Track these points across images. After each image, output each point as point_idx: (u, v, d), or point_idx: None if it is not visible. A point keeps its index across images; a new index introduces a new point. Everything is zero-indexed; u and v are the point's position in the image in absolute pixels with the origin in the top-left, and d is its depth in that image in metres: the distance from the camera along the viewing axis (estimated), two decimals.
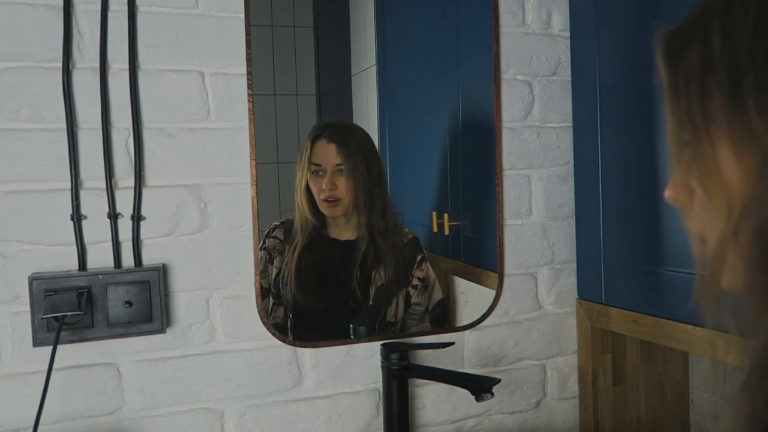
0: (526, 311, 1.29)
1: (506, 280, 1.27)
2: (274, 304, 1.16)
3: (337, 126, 1.19)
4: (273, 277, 1.16)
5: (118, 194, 1.03)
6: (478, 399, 1.02)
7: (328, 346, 1.16)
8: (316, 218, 1.18)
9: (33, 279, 0.97)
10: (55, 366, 0.95)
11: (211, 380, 1.09)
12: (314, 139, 1.17)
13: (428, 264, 1.25)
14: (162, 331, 1.03)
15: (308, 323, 1.17)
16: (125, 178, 1.04)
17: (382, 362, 1.13)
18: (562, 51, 1.30)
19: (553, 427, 1.32)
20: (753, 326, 0.43)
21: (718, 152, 0.45)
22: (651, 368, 1.32)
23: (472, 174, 1.29)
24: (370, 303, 1.20)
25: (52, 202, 1.00)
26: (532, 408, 1.31)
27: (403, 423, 1.13)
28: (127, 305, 1.01)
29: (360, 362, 1.18)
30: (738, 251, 0.44)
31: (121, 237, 1.03)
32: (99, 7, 1.01)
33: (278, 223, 1.18)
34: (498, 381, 1.03)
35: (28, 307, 0.98)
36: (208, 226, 1.08)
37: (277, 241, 1.17)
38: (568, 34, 1.29)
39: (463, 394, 1.18)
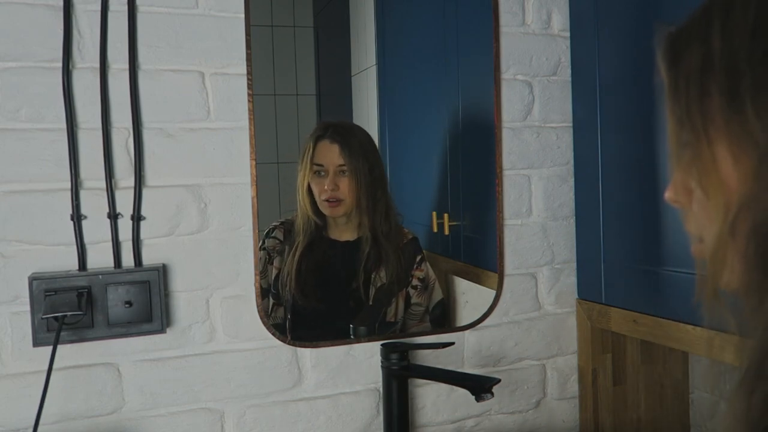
0: (526, 311, 1.29)
1: (506, 280, 1.27)
2: (273, 304, 1.16)
3: (339, 126, 1.19)
4: (273, 278, 1.16)
5: (118, 194, 1.03)
6: (478, 399, 1.02)
7: (328, 346, 1.16)
8: (318, 218, 1.18)
9: (33, 279, 0.97)
10: (55, 366, 0.95)
11: (211, 380, 1.09)
12: (317, 140, 1.16)
13: (428, 264, 1.25)
14: (162, 331, 1.03)
15: (308, 323, 1.17)
16: (125, 178, 1.04)
17: (382, 362, 1.13)
18: (562, 51, 1.30)
19: (553, 427, 1.32)
20: (750, 325, 0.43)
21: (716, 152, 0.45)
22: (651, 368, 1.32)
23: (472, 174, 1.29)
24: (370, 303, 1.20)
25: (52, 202, 1.00)
26: (532, 408, 1.31)
27: (403, 423, 1.13)
28: (127, 305, 1.01)
29: (360, 362, 1.18)
30: (735, 250, 0.44)
31: (121, 237, 1.03)
32: (99, 7, 1.01)
33: (278, 224, 1.18)
34: (498, 381, 1.03)
35: (28, 307, 0.98)
36: (208, 226, 1.08)
37: (277, 241, 1.17)
38: (568, 34, 1.29)
39: (463, 394, 1.18)
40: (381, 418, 1.17)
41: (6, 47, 0.98)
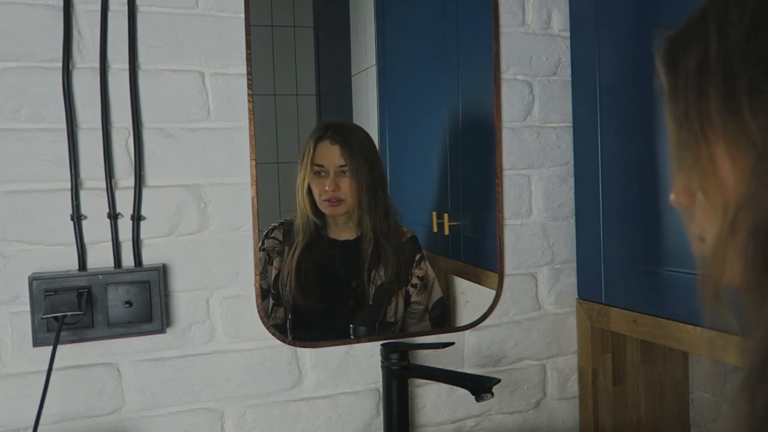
0: (526, 311, 1.29)
1: (506, 280, 1.27)
2: (273, 305, 1.16)
3: (340, 127, 1.19)
4: (272, 278, 1.16)
5: (118, 194, 1.03)
6: (478, 399, 1.02)
7: (328, 346, 1.16)
8: (317, 218, 1.18)
9: (33, 279, 0.97)
10: (55, 366, 0.95)
11: (211, 380, 1.09)
12: (317, 140, 1.16)
13: (427, 263, 1.25)
14: (162, 331, 1.03)
15: (308, 323, 1.17)
16: (125, 178, 1.04)
17: (382, 362, 1.13)
18: (562, 51, 1.30)
19: (553, 427, 1.32)
20: (752, 325, 0.43)
21: (715, 154, 0.45)
22: (651, 368, 1.32)
23: (472, 174, 1.29)
24: (370, 303, 1.20)
25: (52, 202, 1.00)
26: (532, 408, 1.31)
27: (403, 423, 1.13)
28: (127, 305, 1.01)
29: (360, 362, 1.18)
30: (735, 250, 0.44)
31: (121, 237, 1.03)
32: (99, 7, 1.01)
33: (277, 224, 1.18)
34: (498, 381, 1.03)
35: (28, 307, 0.98)
36: (208, 226, 1.08)
37: (276, 241, 1.17)
38: (568, 34, 1.29)
39: (463, 394, 1.18)
40: (381, 418, 1.17)
41: (6, 47, 0.98)
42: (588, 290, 1.27)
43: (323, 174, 1.16)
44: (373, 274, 1.20)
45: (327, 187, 1.16)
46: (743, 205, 0.43)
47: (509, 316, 1.28)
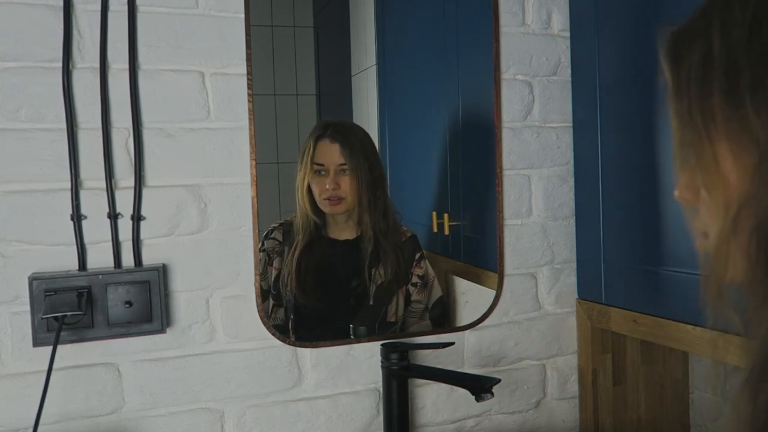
0: (526, 311, 1.29)
1: (506, 280, 1.27)
2: (274, 305, 1.16)
3: (339, 125, 1.19)
4: (272, 279, 1.16)
5: (118, 194, 1.03)
6: (478, 399, 1.02)
7: (328, 346, 1.16)
8: (317, 217, 1.18)
9: (33, 279, 0.97)
10: (55, 366, 0.95)
11: (211, 380, 1.09)
12: (317, 139, 1.17)
13: (427, 261, 1.25)
14: (162, 331, 1.03)
15: (309, 323, 1.17)
16: (125, 178, 1.04)
17: (382, 362, 1.13)
18: (562, 51, 1.30)
19: (553, 427, 1.32)
20: (754, 323, 0.43)
21: (717, 151, 0.45)
22: (651, 368, 1.32)
23: (472, 174, 1.29)
24: (371, 302, 1.20)
25: (52, 202, 1.00)
26: (532, 408, 1.31)
27: (403, 423, 1.13)
28: (127, 305, 1.00)
29: (360, 362, 1.18)
30: (738, 247, 0.44)
31: (121, 237, 1.03)
32: (99, 7, 1.01)
33: (276, 225, 1.18)
34: (498, 381, 1.03)
35: (28, 307, 0.98)
36: (208, 226, 1.08)
37: (276, 242, 1.17)
38: (568, 34, 1.29)
39: (463, 394, 1.18)
40: (381, 418, 1.17)
41: (6, 47, 0.98)
42: (588, 290, 1.27)
43: (323, 173, 1.16)
44: (373, 273, 1.20)
45: (327, 186, 1.16)
46: (746, 203, 0.43)
47: (509, 316, 1.28)
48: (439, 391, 1.23)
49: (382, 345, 1.14)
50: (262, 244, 1.14)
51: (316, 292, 1.18)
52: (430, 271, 1.25)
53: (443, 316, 1.26)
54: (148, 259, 1.05)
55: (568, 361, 1.33)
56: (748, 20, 0.43)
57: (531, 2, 1.27)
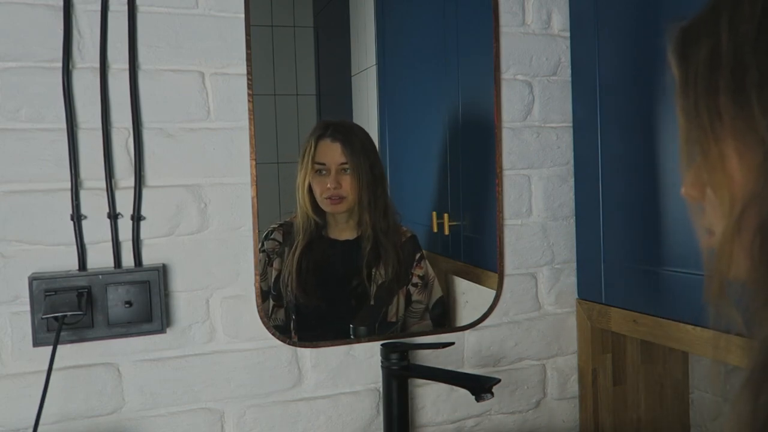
0: (526, 311, 1.29)
1: (506, 280, 1.27)
2: (274, 306, 1.16)
3: (340, 125, 1.19)
4: (273, 279, 1.16)
5: (118, 194, 1.03)
6: (478, 399, 1.02)
7: (328, 346, 1.16)
8: (318, 217, 1.18)
9: (33, 279, 0.97)
10: (55, 366, 0.95)
11: (211, 380, 1.09)
12: (318, 139, 1.17)
13: (427, 261, 1.25)
14: (162, 331, 1.03)
15: (310, 323, 1.17)
16: (125, 178, 1.04)
17: (382, 362, 1.13)
18: (562, 51, 1.30)
19: (553, 427, 1.32)
20: (756, 323, 0.43)
21: (723, 149, 0.45)
22: (651, 368, 1.32)
23: (472, 174, 1.29)
24: (371, 302, 1.20)
25: (52, 202, 1.00)
26: (532, 408, 1.31)
27: (403, 423, 1.13)
28: (127, 305, 1.00)
29: (360, 362, 1.18)
30: (741, 246, 0.44)
31: (121, 237, 1.03)
32: (99, 7, 1.01)
33: (276, 225, 1.18)
34: (498, 381, 1.03)
35: (28, 307, 0.98)
36: (208, 226, 1.08)
37: (276, 243, 1.17)
38: (568, 34, 1.29)
39: (463, 394, 1.18)
40: (381, 418, 1.17)
41: (6, 47, 0.98)
42: (588, 290, 1.27)
43: (324, 172, 1.16)
44: (373, 272, 1.20)
45: (329, 185, 1.16)
46: (750, 202, 0.43)
47: (509, 316, 1.28)
48: (439, 391, 1.23)
49: (382, 345, 1.14)
50: (262, 245, 1.14)
51: (316, 291, 1.18)
52: (431, 271, 1.25)
53: (443, 316, 1.26)
54: (148, 259, 1.05)
55: (568, 361, 1.33)
56: (757, 15, 0.42)
57: (531, 2, 1.27)
